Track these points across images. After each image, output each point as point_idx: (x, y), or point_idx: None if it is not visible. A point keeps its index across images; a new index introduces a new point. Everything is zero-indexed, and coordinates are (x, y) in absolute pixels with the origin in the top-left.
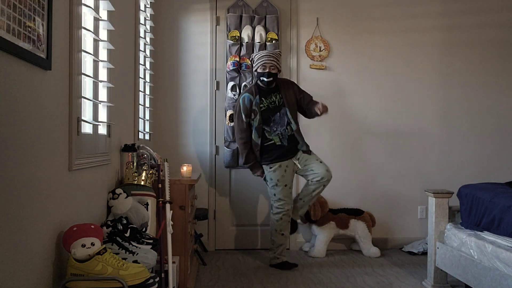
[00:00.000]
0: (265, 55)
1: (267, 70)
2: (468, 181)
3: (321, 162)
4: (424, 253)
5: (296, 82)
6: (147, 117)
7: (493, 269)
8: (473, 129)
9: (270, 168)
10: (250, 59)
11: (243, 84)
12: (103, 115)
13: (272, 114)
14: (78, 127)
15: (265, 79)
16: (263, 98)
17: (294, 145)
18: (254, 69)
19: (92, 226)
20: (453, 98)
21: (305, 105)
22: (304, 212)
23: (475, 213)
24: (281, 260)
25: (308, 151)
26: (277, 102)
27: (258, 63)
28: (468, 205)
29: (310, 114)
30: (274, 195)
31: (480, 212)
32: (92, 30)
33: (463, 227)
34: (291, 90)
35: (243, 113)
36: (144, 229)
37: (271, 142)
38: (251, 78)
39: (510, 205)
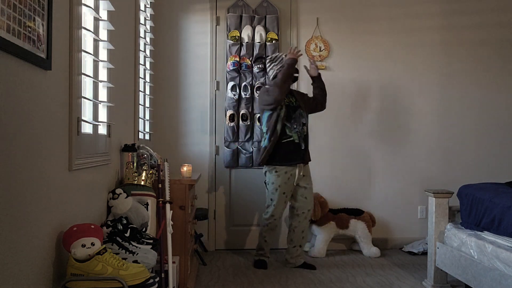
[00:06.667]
0: (284, 55)
1: None
2: (468, 181)
3: (311, 188)
4: (424, 253)
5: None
6: (147, 117)
7: (493, 269)
8: (473, 129)
9: (276, 172)
10: (268, 60)
11: (243, 84)
12: (103, 115)
13: (293, 112)
14: (78, 127)
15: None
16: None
17: (306, 149)
18: (277, 68)
19: (92, 226)
20: (453, 98)
21: (314, 97)
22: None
23: (475, 213)
24: (258, 258)
25: (308, 160)
26: (294, 103)
27: (280, 62)
28: (468, 205)
29: (316, 94)
30: (271, 199)
31: (480, 212)
32: (92, 30)
33: (463, 227)
34: (305, 96)
35: None
36: (144, 229)
37: (290, 139)
38: (251, 78)
39: (510, 205)
